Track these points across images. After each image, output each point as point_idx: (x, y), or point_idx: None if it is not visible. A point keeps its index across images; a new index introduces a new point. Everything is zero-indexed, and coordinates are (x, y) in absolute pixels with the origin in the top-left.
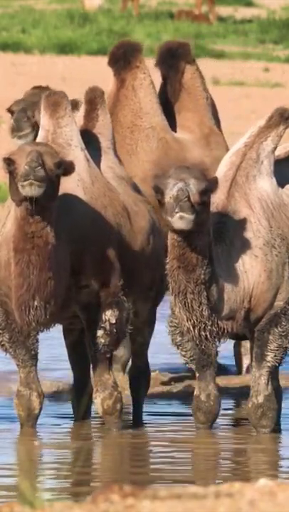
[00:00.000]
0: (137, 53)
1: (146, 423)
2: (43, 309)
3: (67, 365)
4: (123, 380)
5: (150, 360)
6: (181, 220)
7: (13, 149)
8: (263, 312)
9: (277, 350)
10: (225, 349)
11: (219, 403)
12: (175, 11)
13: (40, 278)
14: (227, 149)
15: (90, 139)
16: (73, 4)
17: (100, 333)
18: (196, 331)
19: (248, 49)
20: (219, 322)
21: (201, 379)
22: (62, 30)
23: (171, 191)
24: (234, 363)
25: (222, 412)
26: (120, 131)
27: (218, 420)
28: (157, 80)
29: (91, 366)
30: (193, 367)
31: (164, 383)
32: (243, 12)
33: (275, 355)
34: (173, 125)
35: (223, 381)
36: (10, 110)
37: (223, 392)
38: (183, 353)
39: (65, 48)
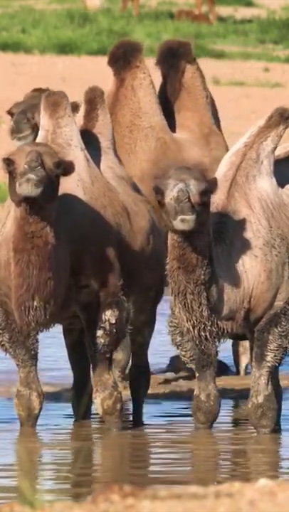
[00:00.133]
0: (136, 53)
1: (146, 423)
2: (42, 309)
3: (68, 365)
4: (121, 386)
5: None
6: (182, 222)
7: (12, 150)
8: (262, 312)
9: (277, 350)
10: (224, 349)
11: (219, 403)
12: (175, 11)
13: (39, 278)
14: (227, 149)
15: (89, 139)
16: (73, 4)
17: (99, 333)
18: (196, 332)
19: (248, 49)
20: (219, 322)
21: (200, 379)
22: (62, 30)
23: (172, 192)
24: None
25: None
26: (119, 130)
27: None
28: (157, 79)
29: (91, 366)
30: (193, 367)
31: (165, 382)
32: (243, 12)
33: (274, 355)
34: (173, 124)
35: (221, 382)
36: (10, 112)
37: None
38: (183, 353)
39: (65, 48)
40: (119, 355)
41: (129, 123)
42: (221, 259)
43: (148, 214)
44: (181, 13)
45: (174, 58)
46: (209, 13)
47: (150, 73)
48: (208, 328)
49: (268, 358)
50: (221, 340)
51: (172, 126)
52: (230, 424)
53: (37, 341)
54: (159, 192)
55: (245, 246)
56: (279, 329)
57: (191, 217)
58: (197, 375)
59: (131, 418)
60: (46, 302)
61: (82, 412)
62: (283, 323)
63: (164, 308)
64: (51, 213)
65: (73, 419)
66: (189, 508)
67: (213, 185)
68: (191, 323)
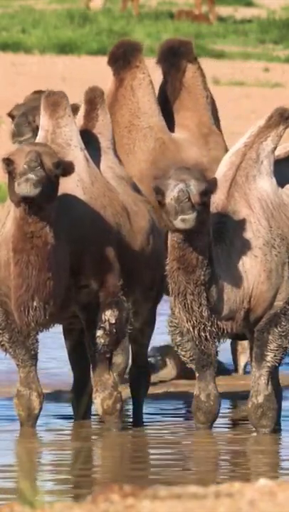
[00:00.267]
0: (136, 53)
1: (146, 423)
2: (42, 310)
3: (68, 365)
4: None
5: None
6: (183, 221)
7: (12, 150)
8: (262, 312)
9: (277, 350)
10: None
11: (219, 403)
12: (175, 11)
13: (39, 278)
14: (226, 149)
15: (89, 139)
16: (73, 4)
17: (99, 333)
18: (196, 332)
19: (248, 49)
20: (219, 322)
21: (200, 379)
22: (62, 30)
23: (172, 192)
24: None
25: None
26: (118, 130)
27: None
28: (157, 79)
29: (91, 366)
30: (193, 367)
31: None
32: (243, 12)
33: (274, 355)
34: (172, 124)
35: (221, 381)
36: (10, 115)
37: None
38: (183, 353)
39: (65, 48)
40: (118, 359)
41: (127, 123)
42: (221, 259)
43: (148, 214)
44: (181, 13)
45: (175, 57)
46: (209, 13)
47: (150, 73)
48: (208, 328)
49: (268, 358)
50: (221, 340)
51: (172, 125)
52: (230, 424)
53: (37, 341)
54: (159, 192)
55: (245, 246)
56: (279, 329)
57: (191, 216)
58: (197, 375)
59: (131, 418)
60: (46, 302)
61: (82, 412)
62: (283, 323)
63: (164, 308)
64: (51, 213)
65: (73, 419)
66: (189, 508)
67: (213, 186)
68: (191, 324)
